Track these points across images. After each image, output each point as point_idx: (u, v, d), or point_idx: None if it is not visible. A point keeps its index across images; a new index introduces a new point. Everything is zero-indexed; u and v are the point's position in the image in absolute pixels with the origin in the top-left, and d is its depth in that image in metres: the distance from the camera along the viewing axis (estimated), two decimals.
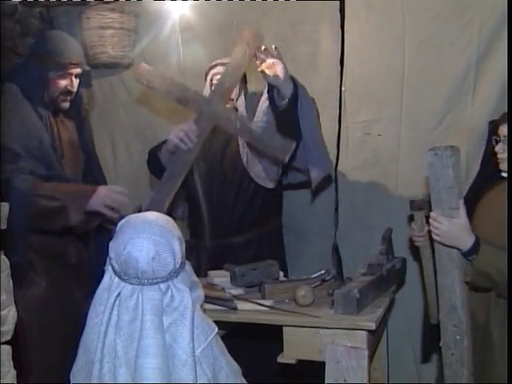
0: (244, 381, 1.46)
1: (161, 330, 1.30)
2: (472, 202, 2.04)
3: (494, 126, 1.98)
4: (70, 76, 2.37)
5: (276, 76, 2.27)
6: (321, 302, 2.05)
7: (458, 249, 1.85)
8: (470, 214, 2.02)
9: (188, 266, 1.43)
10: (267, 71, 2.27)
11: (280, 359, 1.98)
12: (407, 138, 2.66)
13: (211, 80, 2.56)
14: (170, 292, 1.34)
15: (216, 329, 1.41)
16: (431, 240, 1.96)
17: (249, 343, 2.51)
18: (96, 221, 2.32)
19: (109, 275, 1.38)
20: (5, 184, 2.10)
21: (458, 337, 1.89)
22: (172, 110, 2.96)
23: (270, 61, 2.28)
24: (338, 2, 2.73)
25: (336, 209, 2.82)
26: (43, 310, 2.23)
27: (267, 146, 2.34)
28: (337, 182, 2.81)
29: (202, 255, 2.62)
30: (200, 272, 2.39)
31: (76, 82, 2.40)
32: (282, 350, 1.98)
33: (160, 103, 3.09)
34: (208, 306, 1.89)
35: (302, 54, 2.84)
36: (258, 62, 2.31)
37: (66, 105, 2.41)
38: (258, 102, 2.49)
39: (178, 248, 1.36)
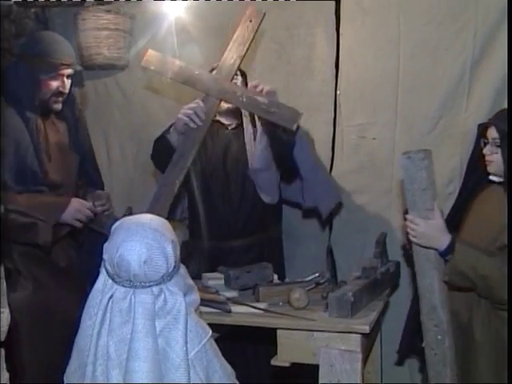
0: None
1: (152, 334, 1.29)
2: (462, 205, 2.05)
3: (482, 129, 1.98)
4: (61, 77, 2.32)
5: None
6: (315, 305, 2.06)
7: (436, 249, 1.87)
8: (461, 217, 2.03)
9: (183, 269, 1.41)
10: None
11: (274, 362, 1.98)
12: (402, 142, 2.66)
13: None
14: (162, 295, 1.33)
15: (210, 332, 1.40)
16: None
17: (243, 346, 2.51)
18: (64, 231, 2.31)
19: (103, 277, 1.37)
20: None
21: (439, 337, 1.90)
22: (167, 111, 2.95)
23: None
24: (334, 6, 2.74)
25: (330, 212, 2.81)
26: (31, 313, 2.19)
27: (275, 117, 2.33)
28: None
29: (200, 256, 2.61)
30: (200, 273, 2.40)
31: (68, 82, 2.36)
32: (275, 353, 1.98)
33: (158, 104, 3.09)
34: (202, 309, 1.87)
35: (297, 58, 2.84)
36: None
37: (59, 106, 2.37)
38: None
39: (171, 251, 1.34)
